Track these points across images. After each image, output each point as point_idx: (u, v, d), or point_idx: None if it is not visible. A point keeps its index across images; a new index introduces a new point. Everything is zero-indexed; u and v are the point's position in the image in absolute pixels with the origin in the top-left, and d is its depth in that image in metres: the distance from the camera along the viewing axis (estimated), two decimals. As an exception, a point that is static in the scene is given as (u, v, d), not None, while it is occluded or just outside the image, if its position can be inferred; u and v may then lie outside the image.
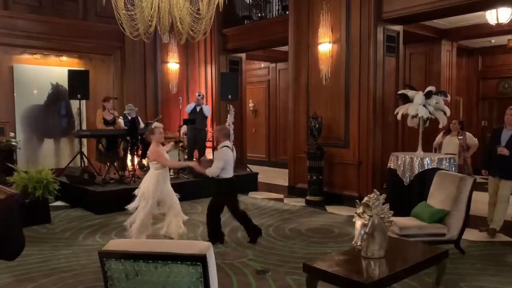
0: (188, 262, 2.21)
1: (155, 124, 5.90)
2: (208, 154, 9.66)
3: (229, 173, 5.38)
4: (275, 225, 6.43)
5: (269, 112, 13.66)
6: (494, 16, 7.73)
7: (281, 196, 8.70)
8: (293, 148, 8.86)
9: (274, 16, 10.01)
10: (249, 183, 9.35)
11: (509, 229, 5.97)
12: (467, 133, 7.38)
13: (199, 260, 2.19)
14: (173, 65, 10.87)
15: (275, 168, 12.55)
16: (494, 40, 10.47)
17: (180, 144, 9.10)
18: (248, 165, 10.36)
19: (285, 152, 10.21)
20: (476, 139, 7.45)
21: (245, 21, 10.57)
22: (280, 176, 10.56)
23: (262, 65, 13.80)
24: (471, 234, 5.68)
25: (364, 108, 7.57)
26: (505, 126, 5.92)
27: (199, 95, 9.22)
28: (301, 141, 8.61)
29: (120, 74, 10.32)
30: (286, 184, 9.12)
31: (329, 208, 7.49)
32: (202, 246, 2.26)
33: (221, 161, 5.28)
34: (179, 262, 2.22)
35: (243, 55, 11.28)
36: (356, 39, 7.59)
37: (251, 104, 13.93)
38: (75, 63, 9.88)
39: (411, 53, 10.18)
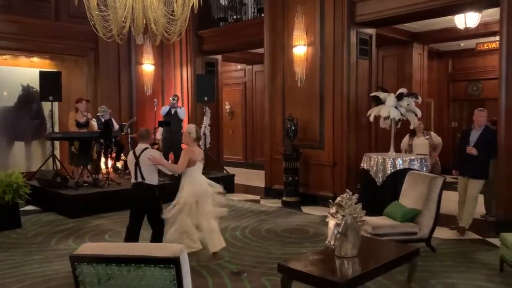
0: (162, 265, 2.20)
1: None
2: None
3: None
4: (251, 226, 6.45)
5: (246, 114, 13.69)
6: (463, 20, 7.98)
7: (258, 197, 8.73)
8: (270, 150, 8.91)
9: (249, 18, 10.05)
10: (226, 184, 9.30)
11: (478, 227, 6.16)
12: (432, 133, 7.60)
13: (173, 262, 2.19)
14: (148, 67, 10.77)
15: (252, 169, 12.58)
16: (463, 44, 10.79)
17: (155, 147, 9.01)
18: (224, 167, 10.35)
19: (262, 154, 10.25)
20: (440, 137, 7.63)
21: (221, 23, 10.56)
22: (257, 178, 10.59)
23: (239, 67, 13.82)
24: (441, 233, 5.84)
25: (338, 109, 7.68)
26: (474, 127, 6.12)
27: (173, 99, 9.16)
28: (277, 142, 8.67)
29: (93, 75, 10.16)
30: (263, 185, 9.15)
31: (305, 209, 7.56)
32: (175, 248, 2.26)
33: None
34: (152, 265, 2.22)
35: (219, 57, 11.27)
36: (330, 42, 7.70)
37: (227, 106, 13.92)
38: (46, 64, 9.67)
39: (384, 56, 10.39)
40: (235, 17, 10.34)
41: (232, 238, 5.85)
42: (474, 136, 6.04)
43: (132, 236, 4.80)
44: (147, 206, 4.78)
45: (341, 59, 7.58)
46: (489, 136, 5.97)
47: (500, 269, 4.44)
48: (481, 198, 6.60)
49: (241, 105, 13.83)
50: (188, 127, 5.26)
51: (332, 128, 7.79)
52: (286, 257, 4.73)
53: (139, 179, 4.69)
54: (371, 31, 7.94)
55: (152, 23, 5.68)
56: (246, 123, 13.68)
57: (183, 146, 8.75)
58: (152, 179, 4.73)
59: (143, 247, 2.43)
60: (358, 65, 7.78)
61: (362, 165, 6.86)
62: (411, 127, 6.91)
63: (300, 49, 8.13)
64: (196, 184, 4.96)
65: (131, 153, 4.82)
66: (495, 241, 5.23)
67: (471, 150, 5.90)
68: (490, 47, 9.72)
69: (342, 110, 7.65)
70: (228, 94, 13.61)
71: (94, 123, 8.45)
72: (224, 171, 9.97)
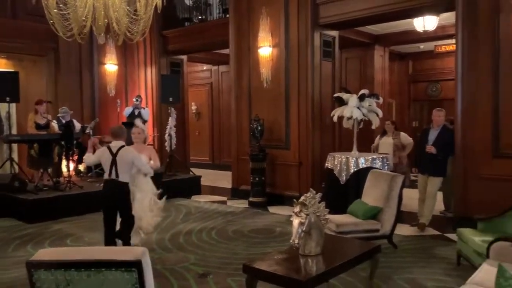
0: (123, 269, 2.17)
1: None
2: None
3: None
4: (218, 227, 6.43)
5: (213, 115, 13.64)
6: (421, 23, 8.26)
7: (225, 198, 8.72)
8: (236, 150, 8.91)
9: (214, 19, 10.02)
10: (192, 186, 9.29)
11: (437, 223, 6.39)
12: (402, 133, 7.79)
13: (134, 266, 2.16)
14: (111, 67, 10.53)
15: (219, 170, 12.54)
16: (423, 46, 11.16)
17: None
18: (191, 169, 10.27)
19: (229, 155, 10.22)
20: (411, 138, 7.86)
21: (186, 23, 10.48)
22: (224, 179, 10.56)
23: (205, 68, 13.76)
24: (403, 229, 6.02)
25: (303, 110, 7.78)
26: (432, 126, 6.35)
27: (137, 100, 9.02)
28: (244, 143, 8.68)
29: (54, 76, 9.83)
30: (230, 186, 9.15)
31: (271, 209, 7.61)
32: (137, 251, 2.23)
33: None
34: (113, 269, 2.18)
35: (184, 57, 11.18)
36: (295, 43, 7.79)
37: (193, 107, 13.82)
38: (3, 64, 9.30)
39: (347, 58, 10.60)
40: (200, 17, 10.28)
41: (198, 240, 5.81)
42: (432, 135, 6.26)
43: (110, 240, 4.75)
44: (118, 202, 4.73)
45: (306, 60, 7.68)
46: (446, 135, 6.20)
47: (457, 263, 4.62)
48: (440, 195, 6.87)
49: (207, 106, 13.76)
50: (142, 125, 5.28)
51: (298, 129, 7.88)
52: (252, 258, 4.75)
53: (113, 176, 4.62)
54: (334, 33, 8.09)
55: (114, 23, 5.56)
56: (212, 124, 13.63)
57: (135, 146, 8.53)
58: (126, 177, 4.69)
59: (104, 251, 2.38)
60: (322, 66, 7.91)
61: (326, 164, 6.98)
62: (373, 127, 7.08)
63: (266, 51, 8.18)
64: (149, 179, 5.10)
65: (104, 149, 4.73)
66: (453, 236, 5.43)
67: (430, 148, 6.11)
68: (447, 49, 10.09)
69: (307, 111, 7.75)
70: (194, 95, 13.52)
71: (54, 124, 8.18)
72: (191, 173, 9.89)
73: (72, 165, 8.34)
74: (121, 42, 6.27)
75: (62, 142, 7.80)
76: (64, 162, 8.31)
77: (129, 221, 4.75)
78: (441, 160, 6.13)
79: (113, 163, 4.57)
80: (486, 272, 3.13)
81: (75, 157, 8.25)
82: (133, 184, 4.87)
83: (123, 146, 4.66)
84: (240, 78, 8.70)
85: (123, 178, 4.60)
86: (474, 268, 3.79)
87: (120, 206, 4.70)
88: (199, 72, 13.90)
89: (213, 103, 13.59)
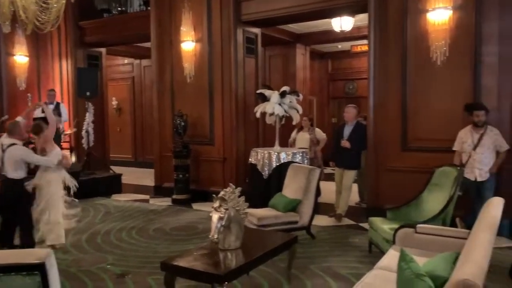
0: (24, 273, 2.03)
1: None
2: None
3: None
4: (138, 226, 6.24)
5: (135, 110, 13.19)
6: (339, 24, 8.65)
7: (147, 196, 8.48)
8: (159, 147, 8.72)
9: (135, 11, 9.69)
10: (112, 185, 8.93)
11: (352, 213, 6.74)
12: (316, 129, 8.13)
13: (37, 269, 2.02)
14: (21, 58, 9.78)
15: (142, 168, 12.16)
16: (341, 46, 11.71)
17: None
18: (111, 167, 9.87)
19: (152, 152, 9.98)
20: (325, 134, 8.22)
21: (104, 14, 10.01)
22: (147, 177, 10.26)
23: (126, 61, 13.25)
24: (321, 220, 6.29)
25: (227, 106, 7.81)
26: (346, 123, 6.70)
27: (50, 92, 8.51)
28: (166, 139, 8.51)
29: (-47, 67, 8.91)
30: (153, 184, 8.93)
31: (195, 205, 7.55)
32: (40, 254, 2.10)
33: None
34: (13, 274, 2.03)
35: (103, 50, 10.67)
36: (218, 39, 7.78)
37: (114, 102, 13.27)
38: None
39: (271, 55, 10.82)
40: (119, 9, 9.87)
41: (117, 240, 5.60)
42: (347, 130, 6.61)
43: (6, 240, 4.46)
44: (9, 201, 4.50)
45: (229, 56, 7.71)
46: (360, 130, 6.58)
47: (369, 250, 4.92)
48: (356, 187, 7.28)
49: (129, 101, 13.27)
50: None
51: (222, 124, 7.89)
52: (174, 255, 4.68)
53: (4, 173, 4.44)
54: (256, 30, 8.20)
55: (20, 11, 5.16)
56: (135, 120, 13.18)
57: (64, 144, 8.15)
58: (16, 174, 4.42)
59: (3, 254, 2.21)
60: (246, 63, 7.99)
61: (250, 159, 7.07)
62: (294, 123, 7.30)
63: (188, 45, 8.08)
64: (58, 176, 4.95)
65: None
66: (366, 225, 5.76)
67: (345, 143, 6.45)
68: (363, 49, 10.66)
69: (231, 106, 7.79)
70: (115, 90, 12.98)
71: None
72: (111, 171, 9.49)
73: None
74: (30, 32, 5.84)
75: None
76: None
77: (23, 220, 4.56)
78: (355, 154, 6.51)
79: (2, 160, 4.47)
80: (392, 257, 3.36)
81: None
82: (41, 181, 4.65)
83: (13, 144, 4.54)
84: (162, 73, 8.51)
85: (13, 175, 4.46)
86: (383, 254, 4.05)
87: (12, 204, 4.52)
88: (119, 66, 13.36)
89: (135, 98, 13.14)
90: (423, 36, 6.00)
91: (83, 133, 9.02)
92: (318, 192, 6.28)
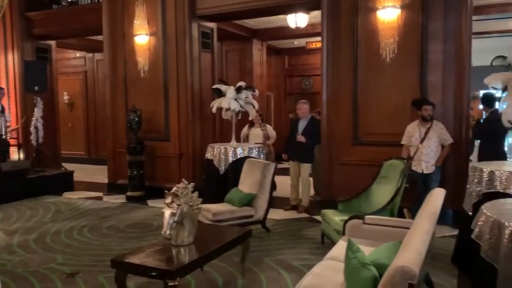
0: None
1: None
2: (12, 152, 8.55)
3: None
4: (91, 225, 6.08)
5: (88, 106, 12.77)
6: (294, 20, 8.75)
7: (100, 194, 8.27)
8: (112, 143, 8.51)
9: (86, 2, 9.36)
10: (64, 182, 8.63)
11: (308, 206, 6.85)
12: (268, 126, 8.23)
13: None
14: (-38, 50, 9.21)
15: (95, 165, 11.84)
16: (296, 42, 11.86)
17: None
18: (63, 164, 9.53)
19: (106, 148, 9.72)
20: (275, 132, 8.28)
21: (54, 5, 9.60)
22: (101, 173, 9.99)
23: (78, 55, 12.80)
24: (276, 214, 6.38)
25: (183, 101, 7.73)
26: (301, 118, 6.82)
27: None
28: (120, 135, 8.32)
29: None
30: (107, 181, 8.70)
31: (151, 202, 7.44)
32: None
33: None
34: None
35: (52, 43, 10.23)
36: (172, 33, 7.67)
37: (66, 97, 12.80)
38: None
39: (227, 50, 10.79)
40: (69, 0, 9.51)
41: (68, 239, 5.44)
42: (301, 125, 6.74)
43: None
44: None
45: (184, 51, 7.62)
46: (314, 125, 6.72)
47: (321, 242, 5.04)
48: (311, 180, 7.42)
49: (81, 96, 12.84)
50: None
51: (178, 120, 7.80)
52: (125, 252, 4.60)
53: None
54: (212, 25, 8.16)
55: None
56: (88, 115, 12.77)
57: (12, 141, 7.85)
58: None
59: None
60: (201, 57, 7.93)
61: (206, 155, 7.04)
62: (250, 118, 7.35)
63: (142, 39, 7.91)
64: None
65: None
66: (320, 218, 5.90)
67: (300, 137, 6.58)
68: (317, 46, 10.84)
69: (186, 102, 7.71)
70: (66, 84, 12.51)
71: None
72: (62, 168, 9.17)
73: None
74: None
75: None
76: None
77: None
78: (310, 148, 6.65)
79: None
80: (341, 247, 3.47)
81: None
82: None
83: None
84: (115, 67, 8.29)
85: None
86: (335, 245, 4.18)
87: None
88: (71, 60, 12.88)
89: (88, 93, 12.72)
90: (373, 33, 6.19)
91: (32, 129, 8.64)
92: (273, 186, 6.38)
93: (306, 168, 6.74)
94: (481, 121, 6.34)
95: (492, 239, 2.48)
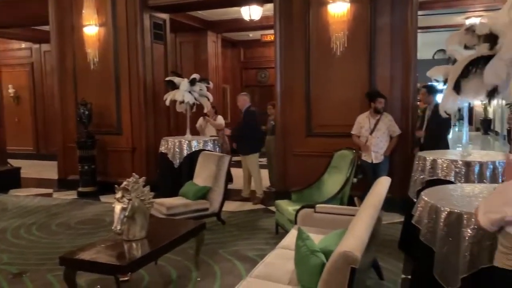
0: None
1: None
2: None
3: None
4: (39, 222, 5.86)
5: (35, 99, 12.21)
6: (248, 13, 8.74)
7: (50, 190, 7.98)
8: (62, 138, 8.21)
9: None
10: (10, 179, 8.25)
11: (263, 198, 6.92)
12: (219, 116, 8.19)
13: None
14: None
15: (45, 161, 11.35)
16: (252, 35, 11.87)
17: None
18: (9, 160, 9.09)
19: (56, 143, 9.37)
20: (223, 121, 8.27)
21: (-6, -8, 9.07)
22: (51, 169, 9.61)
23: (23, 46, 12.17)
24: (232, 206, 6.42)
25: (135, 94, 7.57)
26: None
27: None
28: (70, 129, 8.05)
29: None
30: (57, 177, 8.40)
31: (103, 198, 7.26)
32: None
33: None
34: None
35: (-6, 33, 9.72)
36: (123, 24, 7.47)
37: (11, 90, 12.17)
38: None
39: (181, 42, 10.65)
40: (12, -13, 9.01)
41: (14, 237, 5.22)
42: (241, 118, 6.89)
43: None
44: None
45: (135, 42, 7.46)
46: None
47: (275, 232, 5.14)
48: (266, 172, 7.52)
49: (28, 89, 12.25)
50: None
51: (130, 113, 7.63)
52: (74, 249, 4.48)
53: None
54: (164, 16, 8.01)
55: None
56: (35, 109, 12.22)
57: None
58: None
59: None
60: (154, 49, 7.79)
61: (160, 148, 6.96)
62: (205, 110, 7.32)
63: (91, 30, 7.66)
64: None
65: None
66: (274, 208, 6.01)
67: (226, 131, 6.81)
68: (272, 39, 10.87)
69: (139, 94, 7.56)
70: (11, 76, 11.90)
71: None
72: (8, 164, 8.75)
73: None
74: None
75: None
76: None
77: None
78: (245, 139, 6.79)
79: None
80: (293, 236, 3.55)
81: None
82: None
83: None
84: (64, 59, 7.99)
85: None
86: (288, 234, 4.27)
87: None
88: (16, 51, 12.23)
89: (35, 85, 12.16)
90: (324, 27, 6.31)
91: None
92: (229, 179, 6.40)
93: (250, 159, 6.79)
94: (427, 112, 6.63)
95: (430, 223, 2.63)
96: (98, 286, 3.72)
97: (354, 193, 5.13)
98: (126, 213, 3.43)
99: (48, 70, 11.71)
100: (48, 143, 11.95)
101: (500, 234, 1.76)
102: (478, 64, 2.62)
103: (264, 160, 8.27)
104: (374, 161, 5.81)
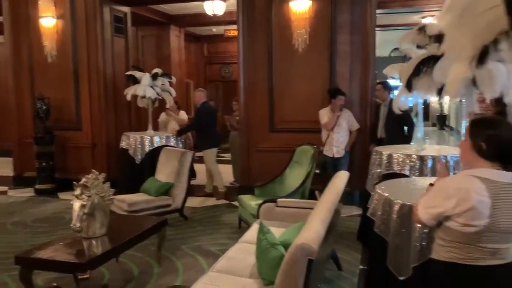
0: None
1: None
2: None
3: None
4: (-6, 221, 5.66)
5: (-12, 93, 11.66)
6: (211, 7, 8.72)
7: (5, 188, 7.68)
8: (18, 133, 7.92)
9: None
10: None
11: (226, 193, 6.93)
12: (181, 111, 8.14)
13: None
14: None
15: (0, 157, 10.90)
16: (215, 30, 11.82)
17: None
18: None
19: (10, 138, 8.99)
20: (187, 117, 8.23)
21: None
22: (6, 166, 9.24)
23: (-26, 37, 11.59)
24: (195, 201, 6.41)
25: (95, 88, 7.39)
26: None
27: None
28: (26, 125, 7.76)
29: None
30: (12, 174, 8.09)
31: (62, 195, 7.08)
32: None
33: None
34: None
35: None
36: (82, 16, 7.27)
37: (-39, 83, 11.56)
38: None
39: (143, 36, 10.46)
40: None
41: (-34, 238, 5.02)
42: None
43: None
44: None
45: (95, 35, 7.27)
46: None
47: (238, 226, 5.18)
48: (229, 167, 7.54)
49: (-20, 83, 11.68)
50: None
51: (90, 108, 7.45)
52: (31, 248, 4.36)
53: None
54: (125, 9, 7.86)
55: None
56: (-12, 103, 11.66)
57: None
58: None
59: None
60: (114, 42, 7.62)
61: (121, 144, 6.84)
62: (167, 105, 7.25)
63: (49, 21, 7.40)
64: None
65: None
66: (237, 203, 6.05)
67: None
68: (235, 34, 10.85)
69: (99, 89, 7.39)
70: (-39, 69, 11.29)
71: None
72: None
73: None
74: None
75: None
76: None
77: None
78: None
79: None
80: (254, 230, 3.60)
81: None
82: None
83: None
84: (19, 51, 7.69)
85: None
86: (250, 229, 4.32)
87: None
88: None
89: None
90: (287, 24, 6.38)
91: None
92: (192, 174, 6.40)
93: (207, 154, 6.79)
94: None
95: (384, 215, 2.75)
96: (54, 284, 3.64)
97: (315, 187, 5.25)
98: (86, 210, 3.38)
99: (1, 62, 11.19)
100: (2, 138, 11.44)
101: (439, 229, 1.88)
102: (429, 63, 2.74)
103: (228, 156, 8.31)
104: (336, 156, 5.96)
